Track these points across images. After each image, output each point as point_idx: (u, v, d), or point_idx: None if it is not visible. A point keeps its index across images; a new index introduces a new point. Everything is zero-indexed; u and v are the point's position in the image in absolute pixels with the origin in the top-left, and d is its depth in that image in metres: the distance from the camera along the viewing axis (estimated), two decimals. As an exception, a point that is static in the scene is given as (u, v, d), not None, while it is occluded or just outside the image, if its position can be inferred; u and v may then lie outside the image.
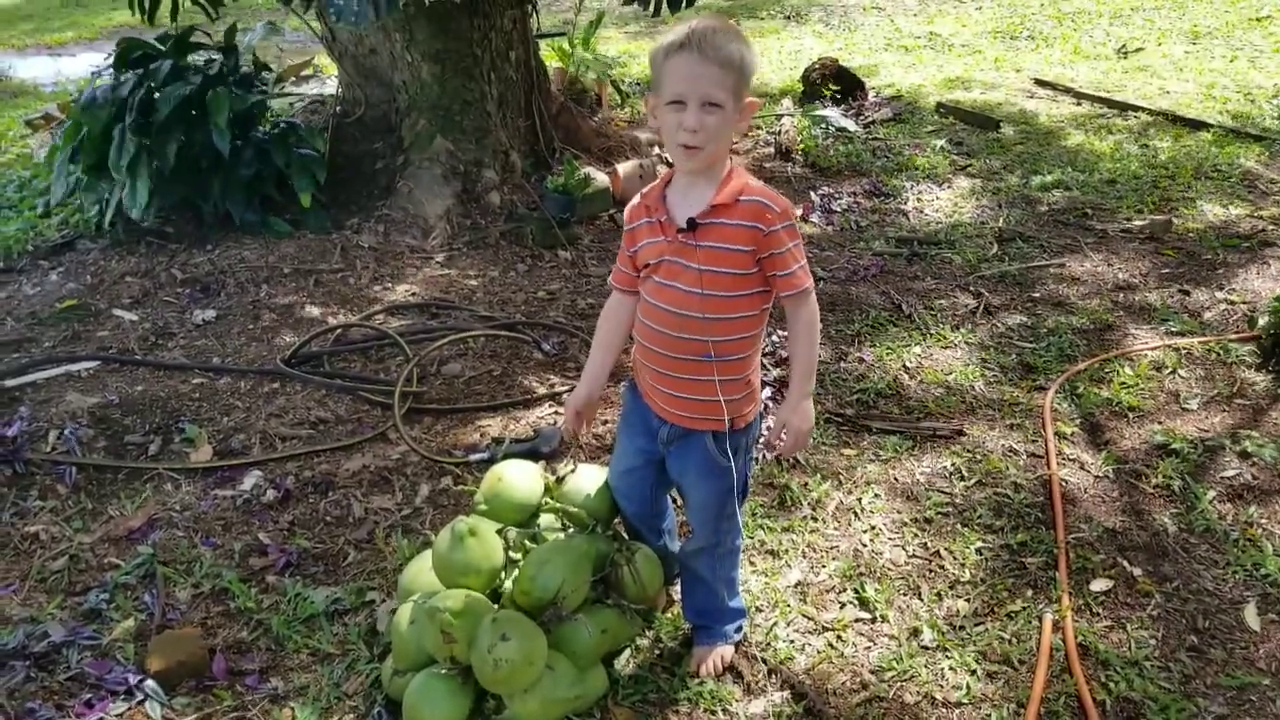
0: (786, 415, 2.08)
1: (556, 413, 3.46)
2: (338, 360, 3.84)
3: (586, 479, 2.35)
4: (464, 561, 2.14)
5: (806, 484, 3.00)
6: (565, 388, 3.59)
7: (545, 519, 2.36)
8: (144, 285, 4.48)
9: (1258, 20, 9.64)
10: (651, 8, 4.57)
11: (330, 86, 6.91)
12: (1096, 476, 3.03)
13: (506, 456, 3.08)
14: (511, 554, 2.25)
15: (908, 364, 3.75)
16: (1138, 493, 2.94)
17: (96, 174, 4.74)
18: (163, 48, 4.94)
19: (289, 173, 4.87)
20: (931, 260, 4.72)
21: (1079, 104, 7.19)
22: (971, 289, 4.39)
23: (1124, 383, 3.56)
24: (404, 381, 3.46)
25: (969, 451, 3.16)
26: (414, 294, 4.40)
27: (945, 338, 3.95)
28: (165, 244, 4.87)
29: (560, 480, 2.36)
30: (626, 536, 2.41)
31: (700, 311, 2.00)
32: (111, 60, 4.93)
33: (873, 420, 3.36)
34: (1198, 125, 6.46)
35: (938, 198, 5.52)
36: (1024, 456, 3.14)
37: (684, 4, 4.56)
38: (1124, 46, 8.79)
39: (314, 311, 4.20)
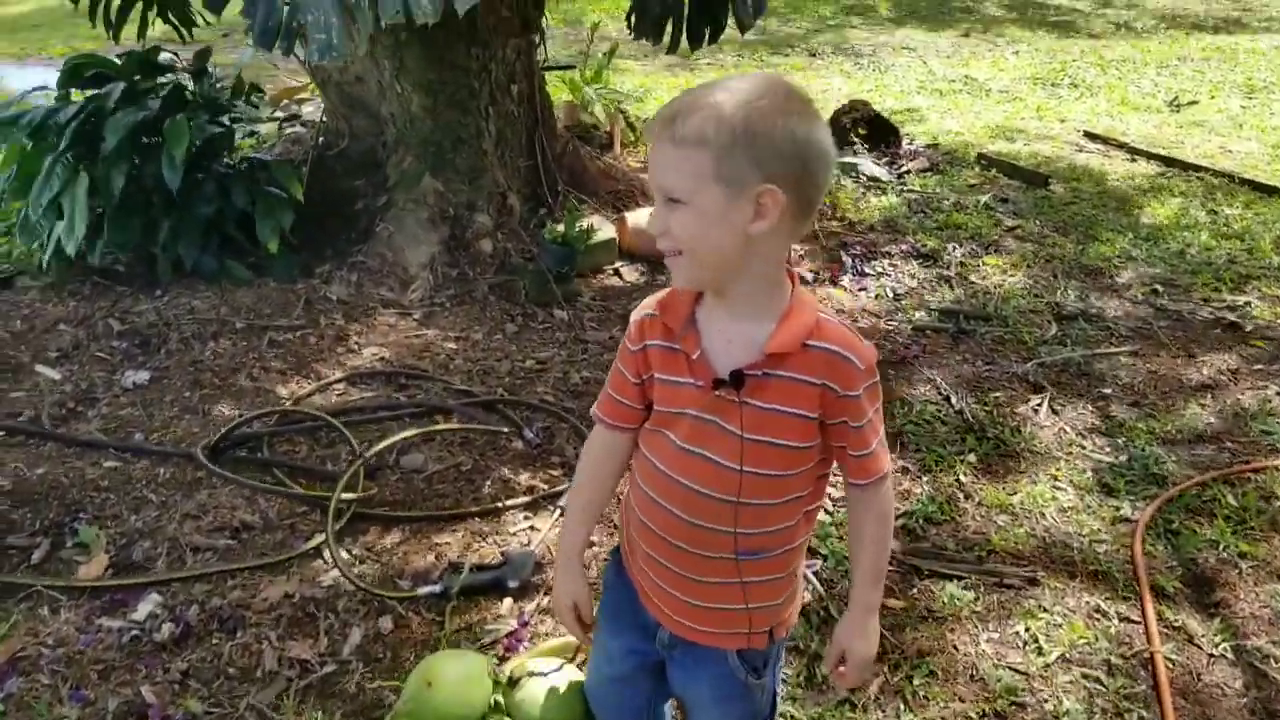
0: (849, 639, 1.55)
1: (533, 527, 2.84)
2: (280, 442, 3.23)
3: (550, 682, 1.73)
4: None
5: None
6: (547, 489, 2.98)
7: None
8: (77, 335, 3.89)
9: (1317, 76, 9.06)
10: (666, 41, 3.98)
11: (326, 113, 6.36)
12: (1210, 655, 2.39)
13: (463, 591, 2.48)
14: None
15: (962, 478, 3.13)
16: (1268, 684, 2.31)
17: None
18: (117, 68, 4.38)
19: (253, 213, 4.28)
20: (982, 339, 4.10)
21: (1134, 160, 6.58)
22: (1031, 379, 3.77)
23: (1229, 515, 2.93)
24: (344, 484, 2.84)
25: (1045, 611, 2.53)
26: (382, 358, 3.80)
27: (1005, 443, 3.33)
28: (113, 286, 4.28)
29: (514, 683, 1.74)
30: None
31: (736, 494, 1.44)
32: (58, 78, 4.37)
33: (924, 559, 2.73)
34: (1270, 190, 5.85)
35: (984, 263, 4.91)
36: (1115, 621, 2.51)
37: (706, 40, 3.97)
38: (1176, 99, 8.19)
39: (261, 377, 3.60)
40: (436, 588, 2.53)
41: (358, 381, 3.63)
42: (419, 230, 4.58)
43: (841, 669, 1.57)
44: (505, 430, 3.28)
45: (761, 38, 11.06)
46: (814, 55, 10.21)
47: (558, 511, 2.88)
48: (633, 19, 3.95)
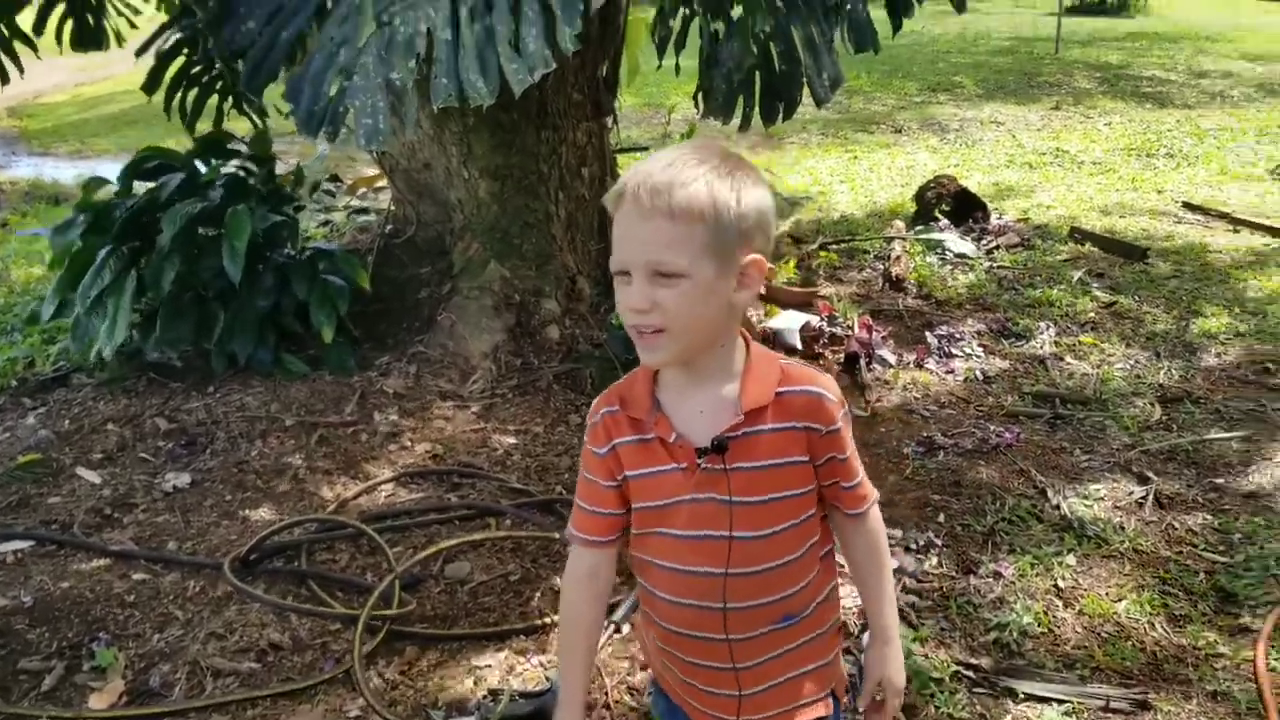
0: (882, 669, 1.54)
1: (582, 646, 2.58)
2: (319, 549, 3.04)
3: None
4: None
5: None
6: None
7: None
8: (123, 436, 3.78)
9: None
10: (738, 120, 3.79)
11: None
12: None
13: (501, 723, 2.22)
14: None
15: (1061, 584, 2.79)
16: None
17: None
18: (181, 158, 4.36)
19: (310, 302, 4.17)
20: (1080, 426, 3.75)
21: (1236, 231, 6.16)
22: (1134, 469, 3.41)
23: (1376, 632, 2.53)
24: (376, 601, 2.62)
25: (1164, 746, 2.18)
26: (435, 455, 3.61)
27: (1108, 542, 2.98)
28: (167, 382, 4.18)
29: None
30: None
31: (758, 563, 1.40)
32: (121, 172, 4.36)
33: (1019, 678, 2.41)
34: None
35: (1080, 342, 4.55)
36: (1246, 757, 2.15)
37: (780, 116, 3.76)
38: (1279, 167, 7.75)
39: (307, 479, 3.43)
40: (472, 718, 2.27)
41: (407, 482, 3.44)
42: (483, 318, 4.42)
43: (877, 700, 1.55)
44: (558, 535, 3.04)
45: (845, 115, 10.90)
46: (899, 131, 9.99)
47: (611, 628, 2.61)
48: (699, 97, 3.78)
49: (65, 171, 9.85)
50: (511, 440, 3.75)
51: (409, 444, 3.69)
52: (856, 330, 4.45)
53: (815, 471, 1.43)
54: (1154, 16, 19.38)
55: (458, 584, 2.86)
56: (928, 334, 4.65)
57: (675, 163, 1.29)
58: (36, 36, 4.75)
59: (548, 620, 2.66)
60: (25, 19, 4.71)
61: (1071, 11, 18.30)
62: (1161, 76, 12.36)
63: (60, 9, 4.70)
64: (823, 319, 4.57)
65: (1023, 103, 11.17)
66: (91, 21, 4.74)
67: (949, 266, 5.60)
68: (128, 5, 5.11)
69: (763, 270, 1.33)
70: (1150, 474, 3.37)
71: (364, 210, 6.64)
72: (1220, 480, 3.35)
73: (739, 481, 1.37)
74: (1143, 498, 3.24)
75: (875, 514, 1.52)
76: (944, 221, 6.28)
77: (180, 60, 4.91)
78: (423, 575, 2.88)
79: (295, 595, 2.83)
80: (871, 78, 12.69)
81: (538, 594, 2.80)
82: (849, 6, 3.33)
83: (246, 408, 3.87)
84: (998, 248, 5.92)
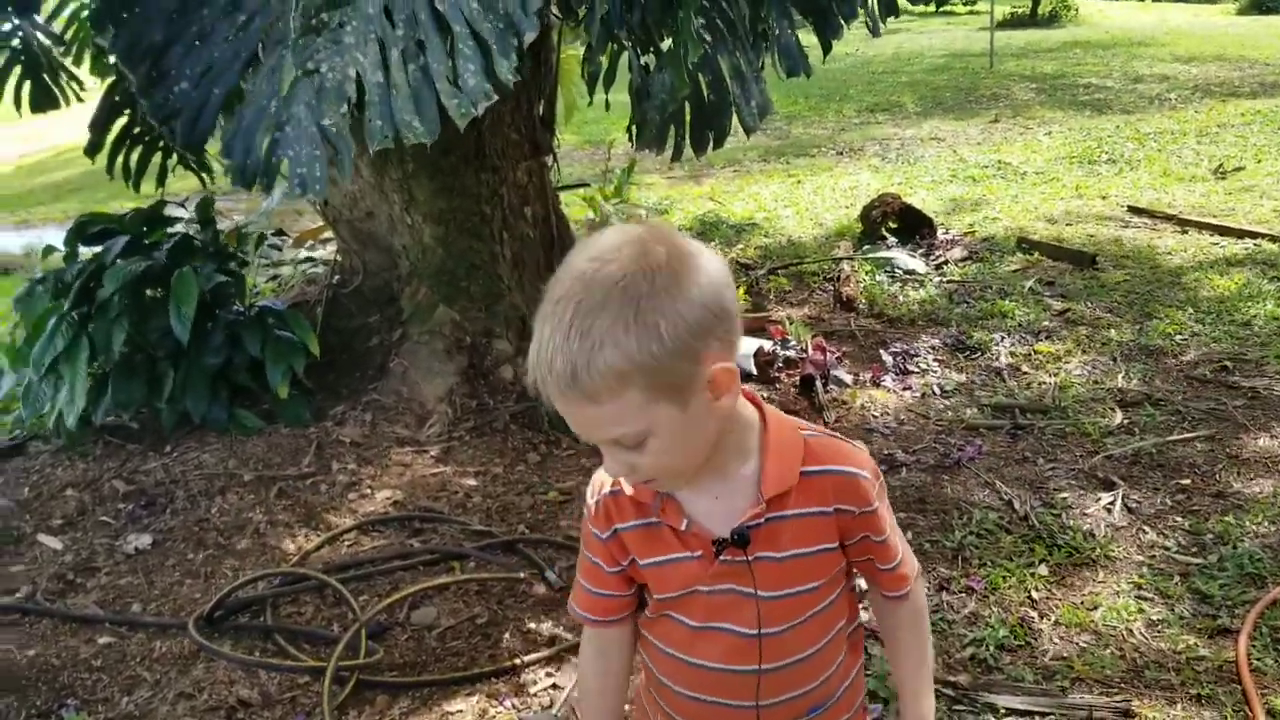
0: None
1: (555, 685, 2.55)
2: (284, 603, 2.99)
3: None
4: None
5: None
6: (571, 639, 2.70)
7: None
8: (82, 500, 3.71)
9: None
10: (670, 153, 3.83)
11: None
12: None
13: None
14: None
15: (1034, 595, 2.79)
16: None
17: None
18: (123, 223, 4.32)
19: (264, 359, 4.13)
20: (1042, 435, 3.79)
21: (1184, 232, 6.28)
22: (1100, 475, 3.44)
23: (1345, 619, 2.57)
24: (342, 651, 2.58)
25: (1147, 752, 2.19)
26: (396, 501, 3.57)
27: (1079, 550, 2.99)
28: (123, 444, 4.11)
29: None
30: None
31: (780, 658, 1.26)
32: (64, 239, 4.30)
33: (999, 692, 2.40)
34: (1333, 251, 5.52)
35: (1035, 351, 4.60)
36: (1231, 760, 2.16)
37: (710, 145, 3.80)
38: (1221, 166, 7.91)
39: (268, 533, 3.38)
40: (445, 767, 2.24)
41: (369, 530, 3.40)
42: (435, 362, 4.40)
43: None
44: (523, 575, 3.01)
45: (786, 141, 11.03)
46: (840, 153, 10.12)
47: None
48: (633, 130, 3.81)
49: (12, 241, 9.70)
50: (471, 482, 3.72)
51: (369, 492, 3.65)
52: (810, 352, 4.47)
53: (845, 550, 1.29)
54: (1085, 25, 19.86)
55: (425, 630, 2.82)
56: (882, 352, 4.69)
57: (571, 327, 1.07)
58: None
59: (518, 662, 2.62)
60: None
61: (1003, 25, 18.72)
62: (1098, 84, 12.64)
63: (17, 71, 4.70)
64: (776, 343, 4.59)
65: (962, 118, 11.37)
66: (49, 81, 4.74)
67: (899, 284, 5.65)
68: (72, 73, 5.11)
69: (731, 375, 1.14)
70: (1116, 479, 3.40)
71: (311, 260, 6.59)
72: (1187, 481, 3.38)
73: (764, 573, 1.23)
74: (1110, 503, 3.26)
75: (917, 592, 1.36)
76: (891, 240, 6.35)
77: (122, 120, 4.90)
78: (389, 623, 2.84)
79: (262, 650, 2.78)
80: (810, 102, 12.88)
81: (506, 635, 2.76)
82: (777, 33, 3.37)
83: (204, 465, 3.81)
84: (946, 262, 5.99)
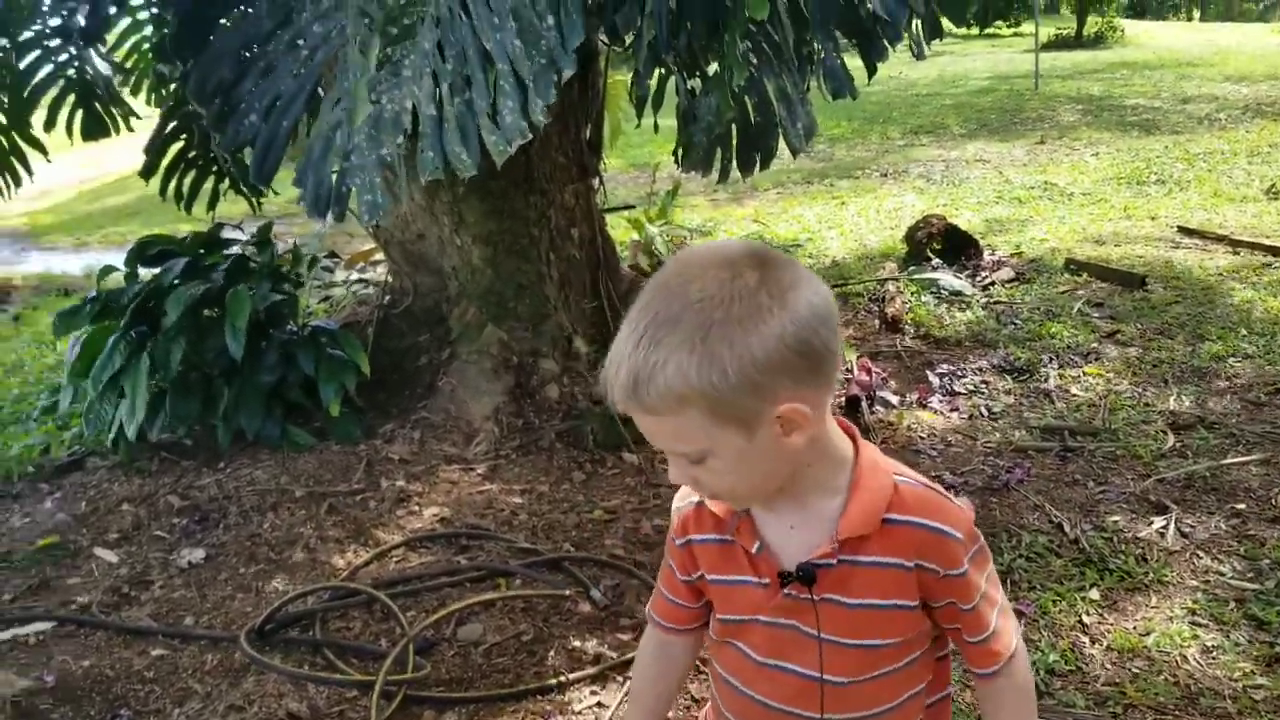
0: None
1: (600, 703, 2.56)
2: (333, 618, 3.03)
3: None
4: None
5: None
6: (615, 657, 2.71)
7: None
8: (138, 515, 3.79)
9: None
10: (716, 174, 3.85)
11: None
12: None
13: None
14: None
15: (1085, 619, 2.76)
16: None
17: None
18: (182, 245, 4.43)
19: (317, 378, 4.20)
20: (1092, 457, 3.75)
21: (1236, 253, 6.19)
22: (1152, 498, 3.39)
23: None
24: (390, 665, 2.61)
25: (1203, 781, 2.15)
26: (443, 519, 3.61)
27: (1131, 575, 2.95)
28: (178, 461, 4.21)
29: None
30: None
31: (844, 710, 1.22)
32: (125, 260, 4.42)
33: (1048, 717, 2.36)
34: (1391, 272, 5.41)
35: (1084, 373, 4.56)
36: (1290, 789, 2.12)
37: (756, 167, 3.82)
38: (1274, 186, 7.80)
39: (318, 548, 3.43)
40: (492, 782, 2.26)
41: (417, 546, 3.44)
42: (483, 381, 4.45)
43: None
44: (568, 593, 3.03)
45: (830, 163, 11.03)
46: (885, 175, 10.09)
47: (627, 684, 2.59)
48: (680, 153, 3.85)
49: (73, 264, 9.97)
50: (517, 500, 3.75)
51: (417, 509, 3.69)
52: (856, 372, 4.46)
53: (929, 613, 1.22)
54: (1131, 47, 19.65)
55: (471, 646, 2.84)
56: (929, 373, 4.66)
57: (641, 338, 1.06)
58: (47, 131, 4.89)
59: (563, 679, 2.63)
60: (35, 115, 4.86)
61: (1048, 47, 18.56)
62: (1146, 104, 12.50)
63: (71, 100, 4.84)
64: (822, 364, 4.57)
65: (1007, 139, 11.30)
66: (100, 110, 4.87)
67: (945, 305, 5.62)
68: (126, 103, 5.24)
69: (802, 414, 1.09)
70: (1169, 503, 3.35)
71: (363, 282, 6.69)
72: (1242, 506, 3.32)
73: (830, 617, 1.19)
74: (1163, 528, 3.21)
75: (1016, 669, 1.25)
76: (936, 261, 6.32)
77: (178, 145, 5.03)
78: (436, 639, 2.86)
79: (311, 664, 2.81)
80: (853, 124, 12.86)
81: (551, 653, 2.78)
82: (822, 55, 3.39)
83: (256, 481, 3.88)
84: (993, 283, 5.95)
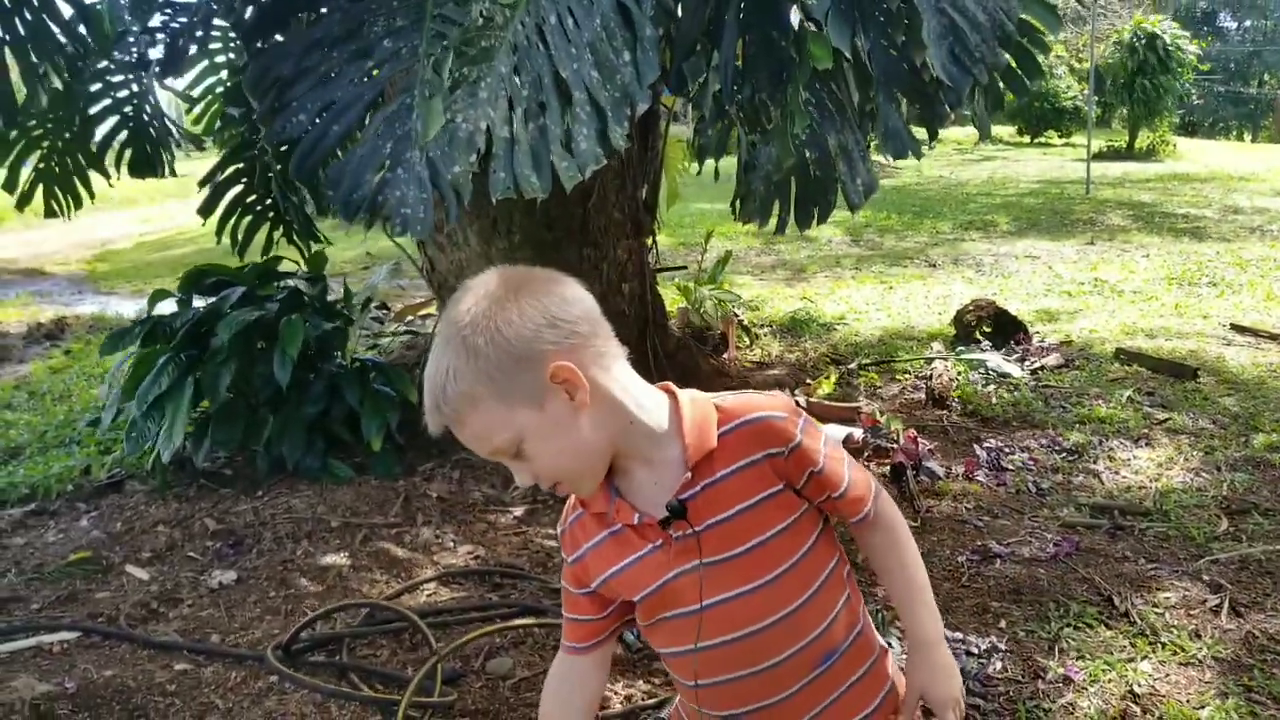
0: (921, 681, 1.41)
1: (631, 740, 2.48)
2: (361, 645, 2.98)
3: None
4: None
5: None
6: (645, 699, 2.63)
7: None
8: (172, 536, 3.79)
9: None
10: (774, 225, 3.86)
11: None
12: None
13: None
14: None
15: (1136, 689, 2.65)
16: None
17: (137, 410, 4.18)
18: (238, 275, 4.50)
19: (360, 412, 4.21)
20: (1143, 536, 3.64)
21: (1290, 352, 6.10)
22: (1205, 577, 3.28)
23: None
24: (417, 685, 2.55)
25: None
26: (477, 557, 3.57)
27: (1182, 648, 2.84)
28: (217, 488, 4.22)
29: None
30: None
31: (770, 614, 1.32)
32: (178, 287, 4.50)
33: (1097, 781, 2.27)
34: None
35: (1135, 456, 4.46)
36: None
37: (814, 220, 3.83)
38: (1329, 293, 7.71)
39: (350, 577, 3.39)
40: (515, 808, 2.18)
41: (449, 581, 3.39)
42: (525, 428, 4.44)
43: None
44: (603, 630, 2.96)
45: (877, 251, 11.05)
46: (933, 265, 10.09)
47: (659, 725, 2.52)
48: (738, 203, 3.87)
49: (127, 307, 10.13)
50: (553, 543, 3.70)
51: (451, 545, 3.65)
52: (902, 442, 4.40)
53: (799, 494, 1.34)
54: (1183, 160, 19.69)
55: (500, 679, 2.78)
56: (976, 447, 4.59)
57: (431, 368, 1.25)
58: (99, 159, 5.01)
59: (598, 715, 2.56)
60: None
61: (1099, 157, 18.63)
62: (1195, 213, 12.46)
63: (123, 136, 4.96)
64: (866, 431, 4.53)
65: (1057, 238, 11.28)
66: (149, 149, 4.98)
67: (992, 385, 5.55)
68: (183, 139, 5.34)
69: (569, 370, 1.22)
70: (1223, 582, 3.23)
71: (412, 334, 6.75)
72: (1296, 589, 3.22)
73: (720, 537, 1.30)
74: (1217, 605, 3.10)
75: (883, 510, 1.42)
76: (985, 343, 6.27)
77: (237, 189, 5.14)
78: (464, 670, 2.81)
79: (337, 686, 2.76)
80: (903, 218, 12.92)
81: (584, 690, 2.71)
82: (885, 116, 3.42)
83: (293, 510, 3.87)
84: (1042, 368, 5.88)
